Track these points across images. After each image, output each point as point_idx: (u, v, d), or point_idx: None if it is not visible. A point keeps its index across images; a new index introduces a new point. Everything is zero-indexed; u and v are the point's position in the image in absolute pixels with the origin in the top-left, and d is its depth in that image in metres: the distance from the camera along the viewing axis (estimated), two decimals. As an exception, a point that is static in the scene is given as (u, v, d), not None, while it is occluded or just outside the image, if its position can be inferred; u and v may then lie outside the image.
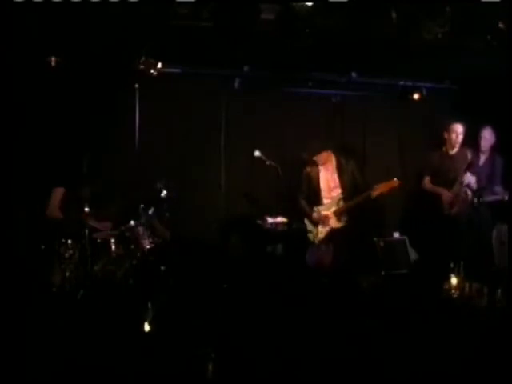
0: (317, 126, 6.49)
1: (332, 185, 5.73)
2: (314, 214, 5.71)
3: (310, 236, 5.80)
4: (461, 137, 5.83)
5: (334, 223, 5.69)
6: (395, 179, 5.59)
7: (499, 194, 5.67)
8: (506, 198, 5.57)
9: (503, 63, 5.06)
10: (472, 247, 5.59)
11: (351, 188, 5.66)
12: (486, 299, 4.67)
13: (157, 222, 5.31)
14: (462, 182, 5.62)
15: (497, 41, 4.87)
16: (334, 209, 5.69)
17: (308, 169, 5.81)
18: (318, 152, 5.68)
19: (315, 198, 5.78)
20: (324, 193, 5.76)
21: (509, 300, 4.57)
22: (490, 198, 5.69)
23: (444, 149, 5.99)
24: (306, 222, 5.84)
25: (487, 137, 5.88)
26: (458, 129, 5.84)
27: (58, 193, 5.22)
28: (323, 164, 5.75)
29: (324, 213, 5.70)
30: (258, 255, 5.82)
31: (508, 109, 5.58)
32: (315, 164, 5.77)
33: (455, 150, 5.88)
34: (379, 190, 5.54)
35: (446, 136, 5.94)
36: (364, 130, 6.86)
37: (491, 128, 5.89)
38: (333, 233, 5.68)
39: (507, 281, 4.81)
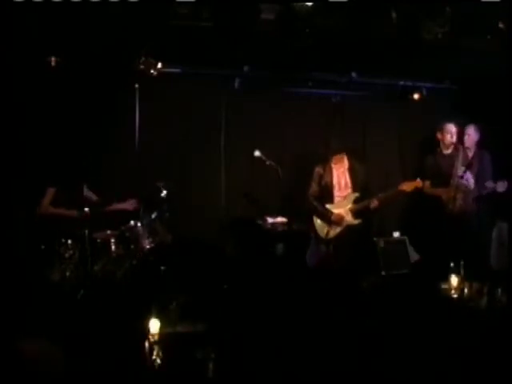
0: (317, 126, 6.49)
1: (343, 184, 5.77)
2: (332, 217, 5.67)
3: (321, 232, 5.76)
4: (455, 137, 5.88)
5: (350, 220, 5.70)
6: (418, 179, 5.62)
7: (489, 187, 5.51)
8: (500, 189, 5.42)
9: (503, 63, 5.07)
10: (472, 247, 5.59)
11: (360, 190, 5.71)
12: (486, 299, 4.66)
13: (159, 225, 5.31)
14: (461, 176, 5.60)
15: (497, 41, 4.87)
16: (349, 206, 5.71)
17: (319, 167, 5.81)
18: (339, 152, 5.73)
19: (327, 195, 5.78)
20: (335, 191, 5.77)
21: (509, 300, 4.57)
22: (481, 192, 5.62)
23: (438, 150, 6.01)
24: (315, 219, 5.81)
25: (471, 134, 5.87)
26: (452, 129, 5.90)
27: (49, 193, 5.23)
28: (335, 164, 5.77)
29: (337, 210, 5.71)
30: (258, 255, 5.82)
31: (508, 109, 5.58)
32: (328, 162, 5.79)
33: (450, 150, 5.91)
34: (401, 188, 5.61)
35: (439, 137, 5.99)
36: (364, 130, 6.86)
37: (475, 125, 5.88)
38: (348, 230, 5.69)
39: (507, 281, 4.81)
